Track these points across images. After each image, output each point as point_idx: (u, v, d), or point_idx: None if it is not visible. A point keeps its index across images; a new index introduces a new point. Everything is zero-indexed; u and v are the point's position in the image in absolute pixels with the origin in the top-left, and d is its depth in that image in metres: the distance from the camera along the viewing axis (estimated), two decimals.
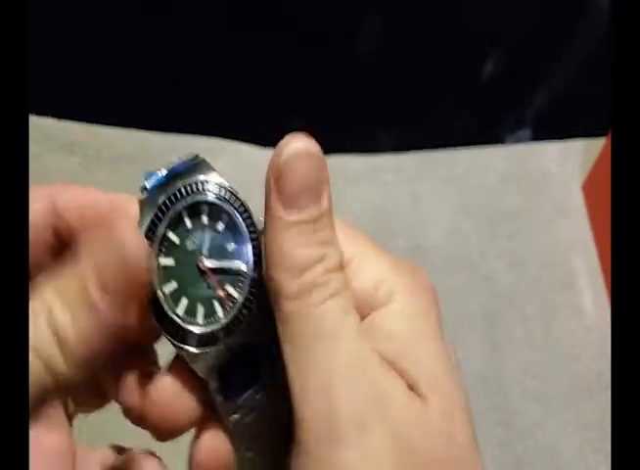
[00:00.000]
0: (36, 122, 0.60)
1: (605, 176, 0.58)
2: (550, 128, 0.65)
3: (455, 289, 0.58)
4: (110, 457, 0.29)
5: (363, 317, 0.25)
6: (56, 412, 0.27)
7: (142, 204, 0.26)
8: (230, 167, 0.61)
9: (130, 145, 0.60)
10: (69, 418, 0.29)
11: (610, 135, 0.57)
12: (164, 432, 0.25)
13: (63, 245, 0.26)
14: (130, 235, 0.23)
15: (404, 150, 0.63)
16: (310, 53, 0.68)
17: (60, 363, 0.23)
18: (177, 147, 0.60)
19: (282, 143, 0.24)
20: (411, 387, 0.24)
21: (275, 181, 0.24)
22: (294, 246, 0.23)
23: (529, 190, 0.62)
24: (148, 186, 0.26)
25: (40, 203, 0.26)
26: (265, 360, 0.26)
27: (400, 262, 0.26)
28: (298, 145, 0.24)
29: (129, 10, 0.66)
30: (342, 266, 0.24)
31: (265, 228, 0.24)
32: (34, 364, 0.22)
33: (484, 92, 0.67)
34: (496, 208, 0.61)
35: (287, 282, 0.24)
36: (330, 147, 0.63)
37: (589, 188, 0.61)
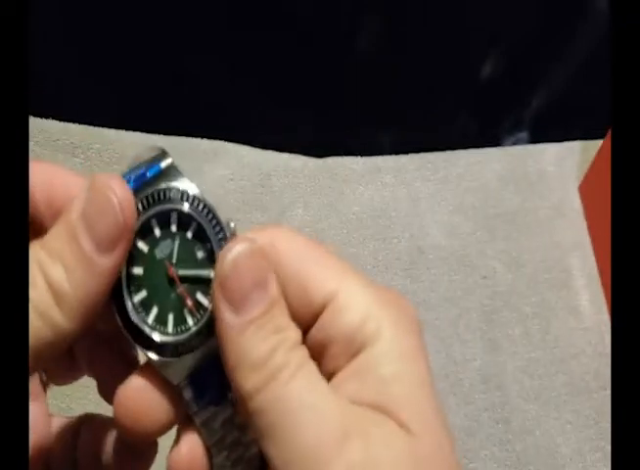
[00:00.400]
0: (37, 124, 0.60)
1: (601, 177, 0.58)
2: (548, 129, 0.65)
3: (454, 289, 0.58)
4: (84, 426, 0.29)
5: (352, 356, 0.25)
6: (32, 382, 0.28)
7: None
8: (230, 169, 0.61)
9: (132, 146, 0.60)
10: (44, 388, 0.29)
11: (607, 137, 0.57)
12: (133, 435, 0.25)
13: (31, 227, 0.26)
14: (117, 183, 0.23)
15: (403, 150, 0.63)
16: (310, 53, 0.68)
17: (58, 316, 0.23)
18: (178, 148, 0.60)
19: (223, 251, 0.24)
20: (401, 425, 0.24)
21: (221, 288, 0.24)
22: (250, 345, 0.23)
23: (527, 191, 0.62)
24: None
25: None
26: None
27: (385, 293, 0.26)
28: (237, 248, 0.24)
29: (129, 10, 0.66)
30: (300, 342, 0.24)
31: (218, 333, 0.24)
32: (34, 321, 0.23)
33: (484, 92, 0.67)
34: (494, 208, 0.61)
35: (249, 380, 0.23)
36: (330, 147, 0.64)
37: (586, 189, 0.62)
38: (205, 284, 0.25)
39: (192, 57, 0.67)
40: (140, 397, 0.25)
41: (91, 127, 0.61)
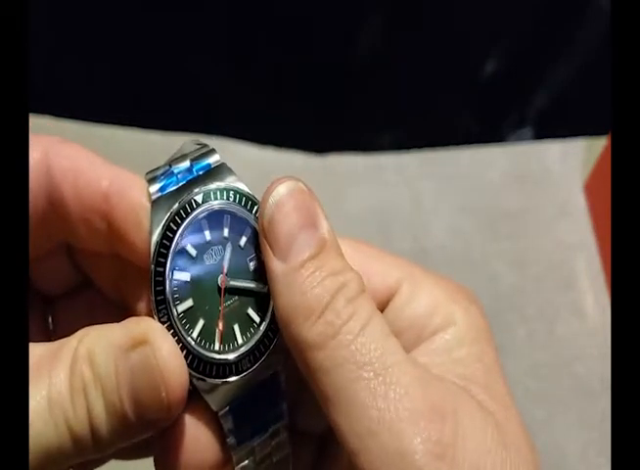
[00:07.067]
0: (34, 122, 0.59)
1: (606, 176, 0.57)
2: (552, 127, 0.65)
3: None
4: None
5: (416, 344, 0.24)
6: None
7: (154, 205, 0.23)
8: (229, 166, 0.60)
9: (129, 144, 0.60)
10: None
11: (611, 134, 0.56)
12: None
13: (55, 215, 0.24)
14: (170, 362, 0.21)
15: (405, 148, 0.63)
16: (311, 52, 0.67)
17: (88, 444, 0.21)
18: (176, 145, 0.59)
19: (266, 191, 0.22)
20: (480, 404, 0.23)
21: (267, 231, 0.22)
22: (302, 291, 0.21)
23: (531, 189, 0.62)
24: (161, 186, 0.23)
25: (34, 153, 0.24)
26: (285, 397, 0.24)
27: (449, 283, 0.26)
28: (280, 189, 0.22)
29: (129, 8, 0.66)
30: (364, 288, 0.22)
31: (268, 280, 0.22)
32: (63, 435, 0.20)
33: (485, 91, 0.67)
34: (498, 207, 0.61)
35: (308, 331, 0.21)
36: (330, 147, 0.64)
37: (591, 187, 0.61)
38: (257, 298, 0.23)
39: (192, 57, 0.66)
40: (184, 432, 0.23)
41: (89, 125, 0.60)
